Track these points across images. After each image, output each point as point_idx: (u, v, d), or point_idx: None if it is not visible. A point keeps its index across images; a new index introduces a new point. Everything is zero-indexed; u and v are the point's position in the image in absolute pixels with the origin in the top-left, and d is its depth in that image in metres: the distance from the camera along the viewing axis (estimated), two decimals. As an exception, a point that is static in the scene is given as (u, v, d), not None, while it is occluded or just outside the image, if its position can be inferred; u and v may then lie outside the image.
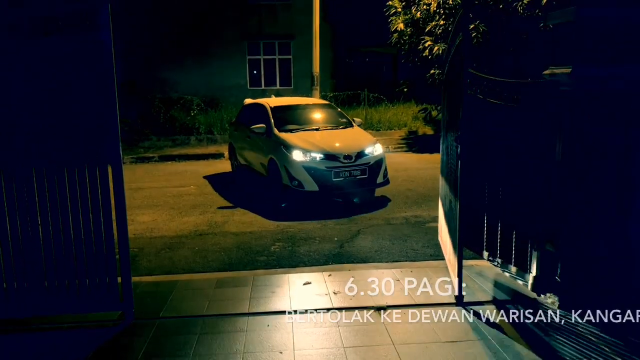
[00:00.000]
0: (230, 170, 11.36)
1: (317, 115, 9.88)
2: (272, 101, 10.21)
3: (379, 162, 8.35)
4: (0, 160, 3.85)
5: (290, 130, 8.88)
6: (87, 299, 4.03)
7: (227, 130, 16.91)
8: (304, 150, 8.11)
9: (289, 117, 9.43)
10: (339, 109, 10.60)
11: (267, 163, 8.70)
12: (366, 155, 8.22)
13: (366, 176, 8.14)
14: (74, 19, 3.81)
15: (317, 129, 9.12)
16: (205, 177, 11.17)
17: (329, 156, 8.04)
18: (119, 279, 4.06)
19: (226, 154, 14.08)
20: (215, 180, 10.82)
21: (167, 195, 9.34)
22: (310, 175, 7.91)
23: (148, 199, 9.05)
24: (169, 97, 17.68)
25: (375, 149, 8.41)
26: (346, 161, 8.00)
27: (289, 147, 8.21)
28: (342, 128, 9.36)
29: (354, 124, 9.53)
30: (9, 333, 3.96)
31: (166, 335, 3.84)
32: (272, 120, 9.08)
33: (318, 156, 8.03)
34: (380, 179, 8.34)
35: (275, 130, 8.83)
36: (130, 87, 17.93)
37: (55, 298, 4.00)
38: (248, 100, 11.19)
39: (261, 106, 9.87)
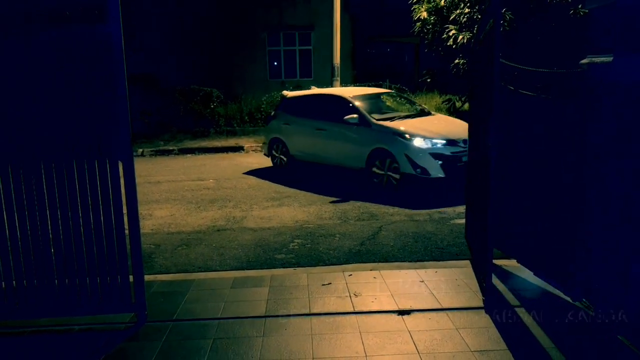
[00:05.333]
0: (272, 165, 10.57)
1: (394, 104, 9.63)
2: (344, 91, 9.61)
3: None
4: (6, 154, 3.71)
5: (390, 119, 8.62)
6: (98, 300, 3.88)
7: (246, 122, 16.81)
8: (425, 137, 7.90)
9: (371, 107, 9.03)
10: (407, 96, 10.26)
11: (369, 153, 8.36)
12: None
13: None
14: (82, 9, 3.63)
15: (409, 116, 8.92)
16: (248, 173, 10.42)
17: (450, 142, 7.92)
18: (132, 278, 3.91)
19: (247, 146, 13.99)
20: (271, 176, 9.97)
21: (186, 189, 9.21)
22: (437, 162, 7.74)
23: (166, 193, 8.94)
24: (189, 89, 17.56)
25: None
26: (464, 146, 7.75)
27: (407, 136, 7.97)
28: (427, 115, 9.18)
29: (431, 111, 9.44)
30: (17, 335, 3.83)
31: (179, 340, 3.67)
32: (363, 111, 8.69)
33: (440, 142, 7.88)
34: None
35: (373, 120, 8.51)
36: (149, 80, 17.85)
37: (65, 298, 3.86)
38: (291, 93, 10.36)
39: (334, 97, 9.34)
